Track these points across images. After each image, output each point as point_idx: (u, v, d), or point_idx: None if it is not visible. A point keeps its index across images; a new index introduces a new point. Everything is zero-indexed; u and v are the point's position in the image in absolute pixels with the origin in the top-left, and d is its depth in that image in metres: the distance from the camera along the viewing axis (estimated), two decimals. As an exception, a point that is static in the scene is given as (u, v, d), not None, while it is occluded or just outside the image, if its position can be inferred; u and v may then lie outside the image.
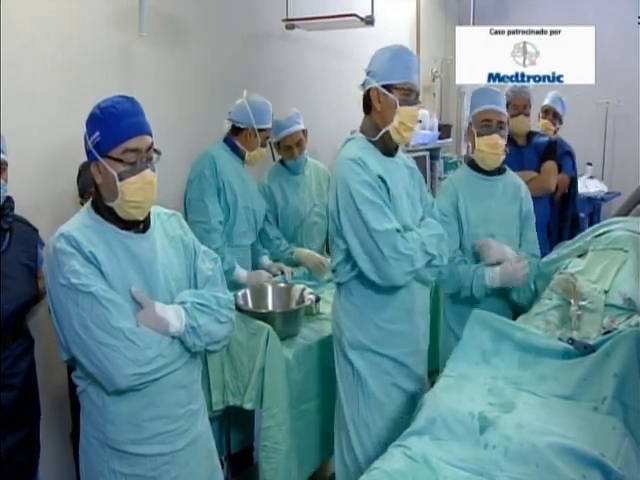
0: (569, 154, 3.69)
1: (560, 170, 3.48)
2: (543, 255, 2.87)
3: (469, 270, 2.47)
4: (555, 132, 3.83)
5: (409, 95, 2.07)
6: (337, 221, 2.06)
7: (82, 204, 2.18)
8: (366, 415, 2.12)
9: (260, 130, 2.81)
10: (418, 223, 2.16)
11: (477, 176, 2.60)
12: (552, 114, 3.85)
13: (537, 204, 3.16)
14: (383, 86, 2.05)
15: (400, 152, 2.22)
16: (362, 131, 2.16)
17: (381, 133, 2.09)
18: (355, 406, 2.14)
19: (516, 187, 2.64)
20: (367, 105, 2.12)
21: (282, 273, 2.96)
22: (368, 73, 2.11)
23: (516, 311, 2.60)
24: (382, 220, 1.98)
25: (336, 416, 2.25)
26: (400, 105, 2.05)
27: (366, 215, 1.97)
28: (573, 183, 3.70)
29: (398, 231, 1.99)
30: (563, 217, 3.68)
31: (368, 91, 2.10)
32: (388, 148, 2.13)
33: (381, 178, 2.02)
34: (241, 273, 2.78)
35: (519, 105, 3.36)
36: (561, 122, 3.88)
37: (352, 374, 2.14)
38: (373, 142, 2.12)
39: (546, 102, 3.90)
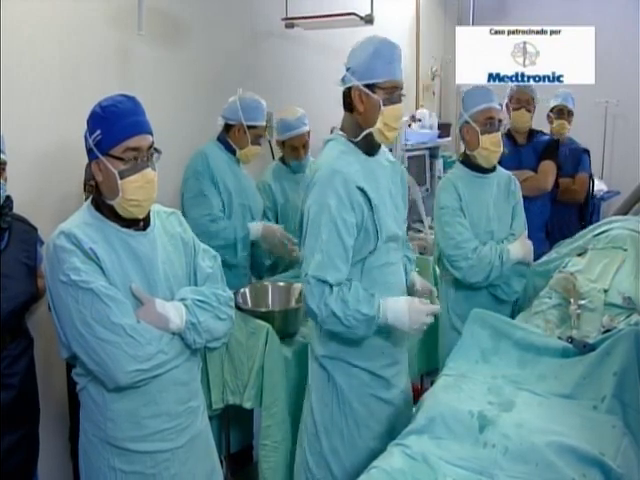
0: (587, 153, 3.68)
1: (559, 170, 3.45)
2: (542, 254, 2.88)
3: (491, 249, 2.50)
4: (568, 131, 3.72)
5: (393, 93, 1.91)
6: (304, 233, 1.90)
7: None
8: (341, 424, 1.95)
9: (250, 127, 2.80)
10: (402, 226, 2.04)
11: (475, 175, 2.61)
12: (566, 113, 3.71)
13: (536, 203, 3.16)
14: (365, 85, 1.88)
15: (382, 148, 2.06)
16: (342, 129, 1.98)
17: (362, 135, 1.93)
18: (329, 414, 1.96)
19: (507, 182, 2.67)
20: (348, 103, 1.94)
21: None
22: (348, 69, 1.92)
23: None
24: (327, 270, 1.80)
25: (301, 426, 2.07)
26: (384, 105, 1.88)
27: (320, 257, 1.81)
28: (592, 182, 3.69)
29: (331, 287, 1.81)
30: (584, 217, 3.60)
31: (349, 89, 1.91)
32: (371, 147, 1.97)
33: (361, 190, 1.85)
34: (254, 227, 2.82)
35: (522, 99, 3.33)
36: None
37: (327, 380, 1.97)
38: (355, 142, 1.95)
39: (558, 102, 3.74)
